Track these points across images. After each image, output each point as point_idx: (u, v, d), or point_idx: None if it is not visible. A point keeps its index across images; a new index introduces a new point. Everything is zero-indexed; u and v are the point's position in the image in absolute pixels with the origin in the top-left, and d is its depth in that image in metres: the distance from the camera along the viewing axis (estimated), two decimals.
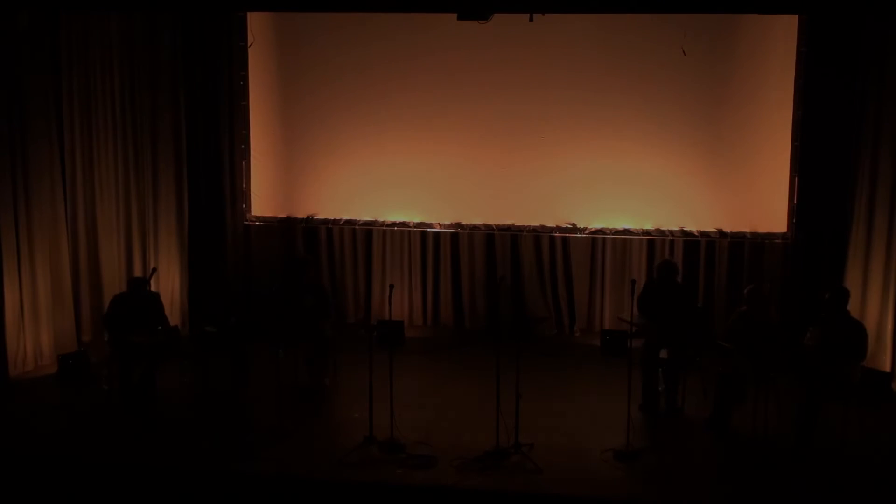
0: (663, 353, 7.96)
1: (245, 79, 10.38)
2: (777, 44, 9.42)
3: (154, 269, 9.21)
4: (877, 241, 8.72)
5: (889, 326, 8.51)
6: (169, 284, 10.22)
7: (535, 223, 10.12)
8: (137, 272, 10.03)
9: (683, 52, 9.15)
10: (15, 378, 8.72)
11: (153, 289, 8.68)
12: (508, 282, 10.13)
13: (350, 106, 10.21)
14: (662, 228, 9.86)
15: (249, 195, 10.59)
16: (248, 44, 10.26)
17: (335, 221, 10.50)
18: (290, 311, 8.36)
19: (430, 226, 10.34)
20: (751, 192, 9.67)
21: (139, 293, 8.35)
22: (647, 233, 9.91)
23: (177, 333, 9.04)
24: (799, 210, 9.54)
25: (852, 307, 7.88)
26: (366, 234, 10.64)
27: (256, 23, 10.22)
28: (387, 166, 10.21)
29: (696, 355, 8.11)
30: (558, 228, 10.09)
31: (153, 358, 8.09)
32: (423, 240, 10.57)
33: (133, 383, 8.01)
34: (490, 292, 10.44)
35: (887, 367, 8.47)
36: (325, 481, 6.69)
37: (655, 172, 9.74)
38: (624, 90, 9.69)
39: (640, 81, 9.65)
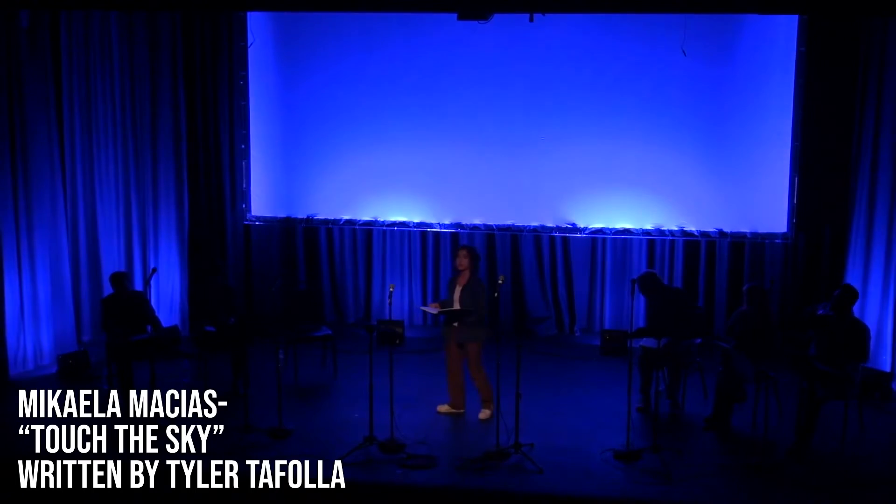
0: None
1: (245, 79, 10.38)
2: (777, 44, 9.42)
3: (154, 269, 9.20)
4: (877, 241, 8.72)
5: (889, 326, 8.51)
6: (169, 284, 10.23)
7: (535, 223, 10.13)
8: (137, 272, 10.03)
9: (684, 52, 9.15)
10: (15, 378, 8.71)
11: (153, 289, 8.65)
12: (508, 282, 10.13)
13: (350, 106, 10.21)
14: (662, 228, 9.87)
15: (249, 195, 10.59)
16: (248, 44, 10.26)
17: (335, 221, 10.50)
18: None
19: (430, 226, 10.35)
20: (751, 192, 9.67)
21: (124, 291, 8.34)
22: (647, 233, 9.91)
23: (177, 333, 9.03)
24: (799, 210, 9.54)
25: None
26: (366, 234, 10.64)
27: (256, 23, 10.23)
28: (387, 166, 10.20)
29: (697, 355, 8.11)
30: (558, 228, 10.09)
31: (152, 356, 8.06)
32: (423, 240, 10.57)
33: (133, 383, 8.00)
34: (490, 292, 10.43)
35: (887, 367, 8.47)
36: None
37: (655, 172, 9.74)
38: (624, 90, 9.70)
39: (640, 82, 9.66)
